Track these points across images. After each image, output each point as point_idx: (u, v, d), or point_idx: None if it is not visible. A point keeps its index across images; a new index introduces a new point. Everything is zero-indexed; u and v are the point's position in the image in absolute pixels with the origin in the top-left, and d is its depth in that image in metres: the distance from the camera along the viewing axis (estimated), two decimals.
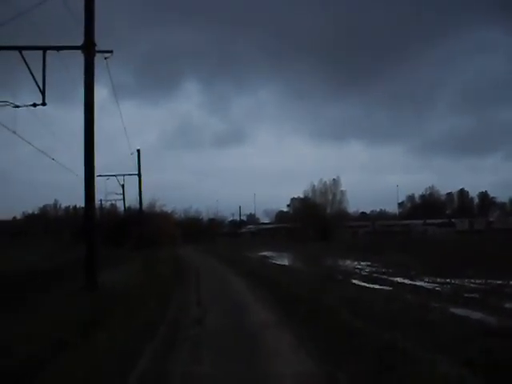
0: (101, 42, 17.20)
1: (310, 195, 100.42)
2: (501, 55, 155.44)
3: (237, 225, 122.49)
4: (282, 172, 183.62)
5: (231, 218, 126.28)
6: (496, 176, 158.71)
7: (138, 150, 49.14)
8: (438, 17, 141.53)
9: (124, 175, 51.66)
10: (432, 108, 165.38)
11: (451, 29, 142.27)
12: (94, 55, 16.74)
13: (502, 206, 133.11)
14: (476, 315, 11.51)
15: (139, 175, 49.77)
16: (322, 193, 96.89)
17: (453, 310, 12.27)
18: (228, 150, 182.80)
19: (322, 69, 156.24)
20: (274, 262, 35.81)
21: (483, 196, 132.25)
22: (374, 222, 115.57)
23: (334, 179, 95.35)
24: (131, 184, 54.85)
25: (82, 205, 17.42)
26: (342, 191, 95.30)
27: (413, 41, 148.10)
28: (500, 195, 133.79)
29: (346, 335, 8.86)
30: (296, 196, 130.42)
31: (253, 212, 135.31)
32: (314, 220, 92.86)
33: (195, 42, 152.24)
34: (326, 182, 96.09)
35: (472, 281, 19.25)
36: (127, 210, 61.76)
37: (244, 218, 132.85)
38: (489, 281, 18.76)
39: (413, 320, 9.83)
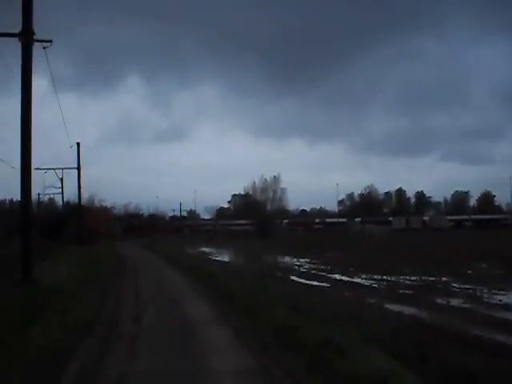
0: (40, 32, 16.66)
1: (251, 192, 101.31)
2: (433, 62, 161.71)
3: (178, 220, 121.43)
4: (224, 168, 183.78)
5: (172, 214, 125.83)
6: (431, 176, 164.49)
7: (78, 144, 48.03)
8: (375, 20, 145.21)
9: (63, 169, 50.48)
10: (369, 109, 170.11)
11: (388, 34, 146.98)
12: (33, 43, 16.17)
13: (437, 205, 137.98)
14: (409, 310, 11.88)
15: (78, 169, 48.69)
16: (262, 190, 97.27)
17: (388, 305, 12.59)
18: (169, 145, 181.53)
19: (265, 68, 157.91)
20: (213, 258, 35.78)
21: (420, 195, 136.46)
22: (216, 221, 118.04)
23: (274, 176, 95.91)
24: (70, 178, 53.58)
25: (19, 198, 16.88)
26: (282, 189, 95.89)
27: (349, 44, 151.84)
28: (435, 195, 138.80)
29: (283, 330, 8.91)
30: (237, 193, 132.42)
31: (193, 208, 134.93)
32: (255, 217, 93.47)
33: (139, 37, 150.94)
34: (266, 179, 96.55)
35: (407, 278, 19.78)
36: (66, 204, 60.39)
37: (185, 214, 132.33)
38: (423, 277, 19.34)
39: (349, 315, 9.99)
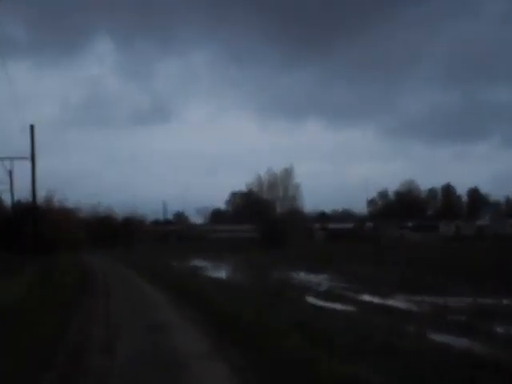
0: None
1: (255, 189, 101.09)
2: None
3: (162, 225, 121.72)
4: (220, 159, 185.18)
5: (154, 218, 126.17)
6: (489, 168, 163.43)
7: (32, 126, 48.01)
8: None
9: (12, 159, 50.46)
10: (407, 81, 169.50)
11: None
12: None
13: (496, 206, 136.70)
14: (460, 342, 11.89)
15: (33, 159, 48.61)
16: (270, 186, 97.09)
17: (432, 335, 12.63)
18: (150, 129, 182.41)
19: (274, 27, 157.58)
20: (208, 274, 35.95)
21: (473, 193, 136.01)
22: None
23: (285, 169, 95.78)
24: (22, 171, 53.47)
25: None
26: (295, 184, 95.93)
27: None
28: (494, 192, 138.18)
29: (297, 366, 8.88)
30: (237, 190, 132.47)
31: (182, 210, 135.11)
32: (260, 221, 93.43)
33: None
34: (275, 172, 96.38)
35: (458, 299, 19.83)
36: (16, 204, 60.46)
37: (170, 217, 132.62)
38: (478, 300, 19.35)
39: (381, 348, 10.04)
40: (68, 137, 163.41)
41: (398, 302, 19.86)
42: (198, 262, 49.64)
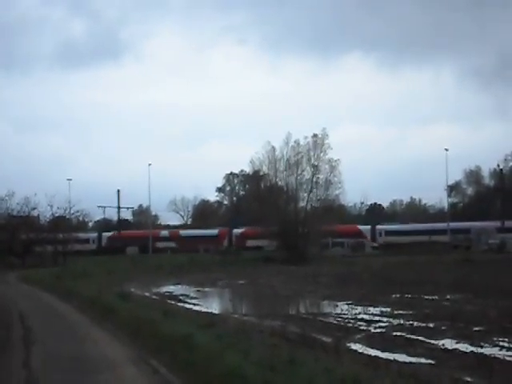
0: None
1: (265, 169, 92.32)
2: None
3: (114, 228, 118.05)
4: (205, 120, 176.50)
5: (101, 217, 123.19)
6: None
7: None
8: None
9: None
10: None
11: None
12: None
13: None
14: None
15: None
16: (289, 164, 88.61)
17: None
18: (91, 73, 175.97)
19: None
20: (189, 306, 34.96)
21: None
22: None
23: (314, 135, 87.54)
24: None
25: None
26: (331, 161, 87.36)
27: None
28: None
29: None
30: (235, 171, 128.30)
31: (146, 204, 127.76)
32: (274, 219, 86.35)
33: None
34: (297, 141, 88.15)
35: None
36: None
37: (128, 215, 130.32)
38: None
39: None
40: None
41: (503, 351, 19.19)
42: (174, 287, 49.74)
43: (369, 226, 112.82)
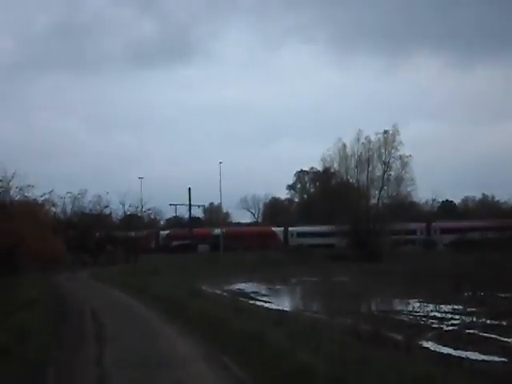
0: None
1: (336, 166, 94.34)
2: None
3: (184, 226, 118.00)
4: (273, 118, 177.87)
5: (173, 215, 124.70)
6: None
7: None
8: None
9: None
10: None
11: None
12: None
13: None
14: None
15: None
16: (360, 161, 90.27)
17: None
18: (158, 74, 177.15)
19: None
20: (260, 303, 35.42)
21: None
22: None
23: (385, 132, 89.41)
24: None
25: None
26: (403, 158, 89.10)
27: None
28: None
29: None
30: (306, 169, 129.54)
31: (217, 201, 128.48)
32: (346, 218, 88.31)
33: None
34: (368, 137, 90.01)
35: None
36: None
37: (199, 212, 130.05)
38: None
39: None
40: (26, 87, 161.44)
41: None
42: (246, 285, 49.90)
43: (282, 228, 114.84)
